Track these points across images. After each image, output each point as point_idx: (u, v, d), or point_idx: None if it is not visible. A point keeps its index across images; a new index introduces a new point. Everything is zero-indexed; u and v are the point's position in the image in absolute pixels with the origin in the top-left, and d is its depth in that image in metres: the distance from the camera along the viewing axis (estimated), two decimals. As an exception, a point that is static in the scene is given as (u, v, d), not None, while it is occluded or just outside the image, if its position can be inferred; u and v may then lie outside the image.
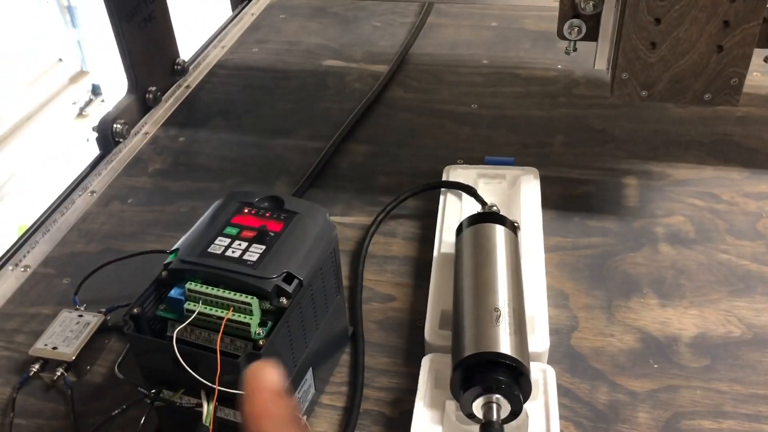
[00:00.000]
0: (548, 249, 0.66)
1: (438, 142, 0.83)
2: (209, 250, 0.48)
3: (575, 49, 0.66)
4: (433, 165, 0.76)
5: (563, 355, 0.57)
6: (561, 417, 0.52)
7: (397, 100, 0.91)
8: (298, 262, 0.48)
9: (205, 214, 0.53)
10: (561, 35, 0.65)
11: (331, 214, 0.74)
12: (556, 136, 0.82)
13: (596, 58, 0.66)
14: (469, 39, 1.02)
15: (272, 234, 0.50)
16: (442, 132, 0.85)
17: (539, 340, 0.54)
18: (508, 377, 0.46)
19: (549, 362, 0.55)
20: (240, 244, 0.49)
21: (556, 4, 0.63)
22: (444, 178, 0.72)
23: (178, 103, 0.94)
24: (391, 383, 0.56)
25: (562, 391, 0.54)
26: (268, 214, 0.52)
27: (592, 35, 0.64)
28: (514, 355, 0.47)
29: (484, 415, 0.46)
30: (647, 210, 0.70)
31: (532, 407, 0.50)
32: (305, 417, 0.53)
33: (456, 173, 0.72)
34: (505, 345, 0.47)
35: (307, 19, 1.11)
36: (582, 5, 0.62)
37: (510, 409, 0.46)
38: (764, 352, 0.56)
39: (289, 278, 0.47)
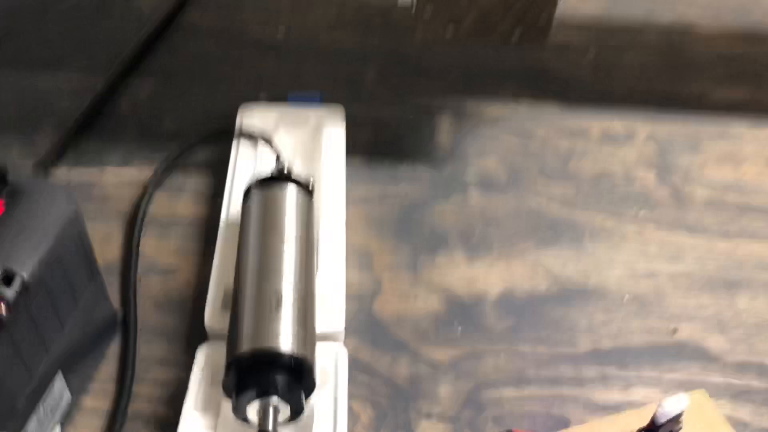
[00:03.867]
0: (353, 201, 0.60)
1: (238, 75, 0.73)
2: None
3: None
4: (231, 103, 0.66)
5: (364, 324, 0.52)
6: (358, 397, 0.48)
7: (193, 24, 0.79)
8: (21, 256, 0.38)
9: None
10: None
11: (106, 164, 0.64)
12: (369, 67, 0.74)
13: (400, -14, 0.58)
14: (278, -51, 0.90)
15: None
16: (243, 62, 0.74)
17: (333, 319, 0.48)
18: (288, 377, 0.40)
19: (349, 334, 0.50)
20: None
21: None
22: (239, 121, 0.63)
23: None
24: (168, 376, 0.49)
25: (361, 366, 0.50)
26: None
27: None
28: (295, 350, 0.41)
29: (260, 421, 0.40)
30: (460, 151, 0.66)
31: (320, 396, 0.44)
32: (59, 428, 0.45)
33: (253, 115, 0.63)
34: (285, 339, 0.41)
35: None
36: None
37: (290, 409, 0.41)
38: (567, 308, 0.54)
39: (7, 278, 0.37)
